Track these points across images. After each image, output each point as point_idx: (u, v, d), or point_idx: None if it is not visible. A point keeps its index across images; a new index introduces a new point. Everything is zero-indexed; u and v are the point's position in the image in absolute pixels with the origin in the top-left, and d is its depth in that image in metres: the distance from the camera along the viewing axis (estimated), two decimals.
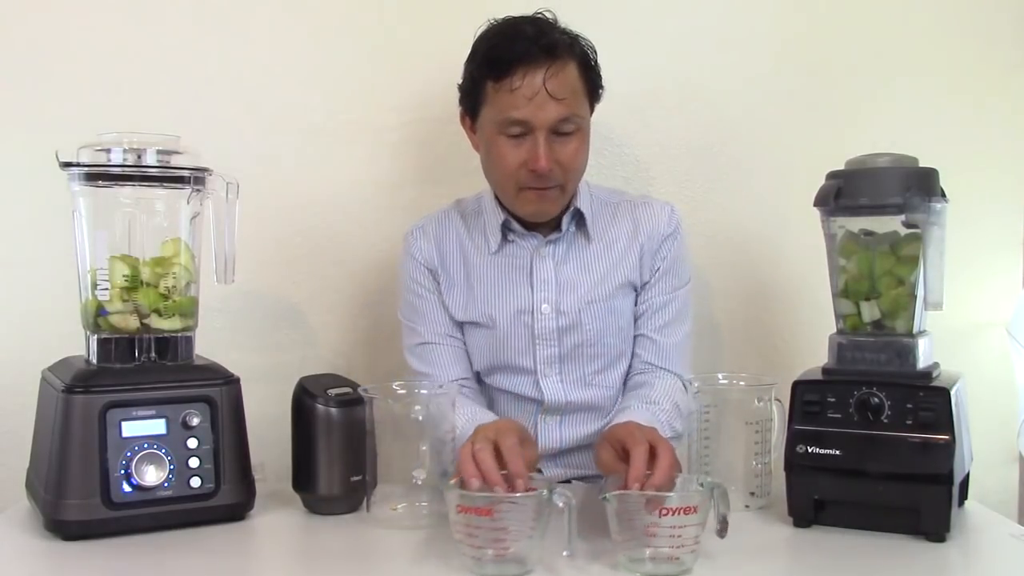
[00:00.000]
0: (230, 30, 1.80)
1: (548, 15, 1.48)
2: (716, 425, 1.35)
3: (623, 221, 1.58)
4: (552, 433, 1.55)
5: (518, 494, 1.08)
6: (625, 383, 1.58)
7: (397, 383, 1.36)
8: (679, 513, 1.05)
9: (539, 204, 1.49)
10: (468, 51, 1.49)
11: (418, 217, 1.64)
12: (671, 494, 1.09)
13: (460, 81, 1.51)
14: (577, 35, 1.49)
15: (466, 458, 1.13)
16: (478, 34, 1.48)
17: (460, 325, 1.58)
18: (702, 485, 1.10)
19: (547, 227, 1.55)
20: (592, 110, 1.52)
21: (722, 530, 1.09)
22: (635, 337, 1.58)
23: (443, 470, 1.28)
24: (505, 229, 1.55)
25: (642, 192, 1.81)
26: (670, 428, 1.44)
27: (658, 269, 1.56)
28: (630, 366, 1.58)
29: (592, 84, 1.50)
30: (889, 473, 1.21)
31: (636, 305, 1.57)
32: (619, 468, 1.18)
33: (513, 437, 1.19)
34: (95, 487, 1.22)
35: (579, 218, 1.55)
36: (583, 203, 1.55)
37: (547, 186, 1.46)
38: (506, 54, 1.42)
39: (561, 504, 1.06)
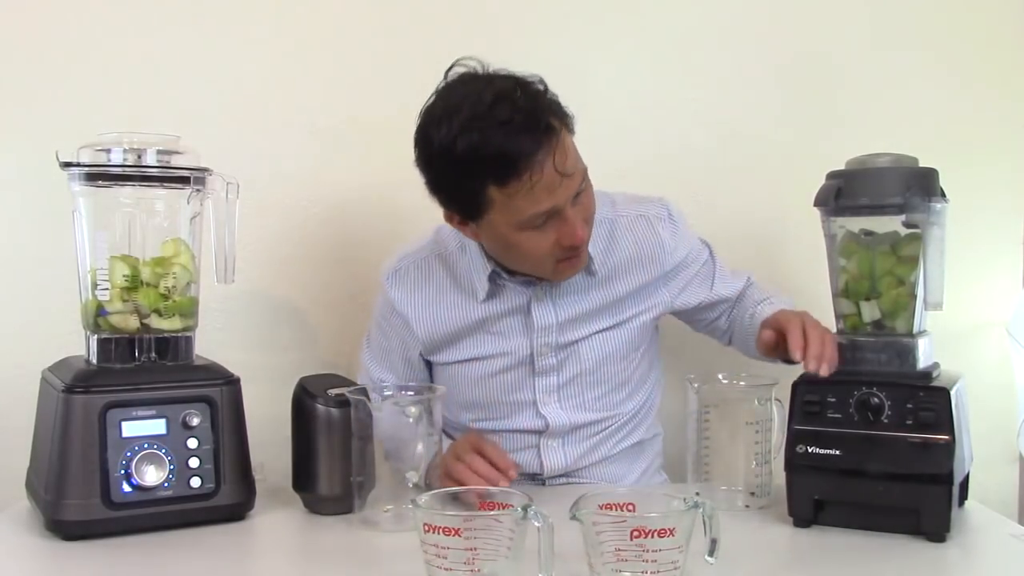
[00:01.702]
0: (230, 30, 1.79)
1: (515, 78, 1.30)
2: (716, 425, 1.35)
3: (624, 245, 1.48)
4: (556, 455, 1.51)
5: (493, 512, 1.02)
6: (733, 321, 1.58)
7: (386, 384, 1.36)
8: (652, 535, 0.96)
9: (576, 267, 1.40)
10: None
11: (418, 217, 1.55)
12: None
13: (425, 178, 1.33)
14: (528, 80, 1.31)
15: (462, 470, 1.16)
16: (438, 120, 1.27)
17: (430, 364, 1.53)
18: (687, 503, 1.01)
19: None
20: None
21: (711, 552, 1.03)
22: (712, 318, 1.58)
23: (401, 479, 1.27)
24: (495, 275, 1.44)
25: (639, 191, 1.79)
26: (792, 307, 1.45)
27: (684, 287, 1.53)
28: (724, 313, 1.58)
29: (570, 126, 1.34)
30: (889, 473, 1.20)
31: (696, 315, 1.57)
32: (781, 347, 1.28)
33: (489, 443, 1.32)
34: (95, 487, 1.22)
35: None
36: (592, 244, 1.43)
37: (578, 254, 1.38)
38: (509, 156, 1.24)
39: (537, 524, 0.98)
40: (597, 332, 1.48)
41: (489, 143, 1.24)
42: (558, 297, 1.46)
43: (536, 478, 1.53)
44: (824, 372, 1.23)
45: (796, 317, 1.30)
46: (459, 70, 1.33)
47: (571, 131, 1.33)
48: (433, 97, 1.32)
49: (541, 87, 1.31)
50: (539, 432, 1.50)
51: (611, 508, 1.02)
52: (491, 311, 1.46)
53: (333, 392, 1.33)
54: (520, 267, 1.42)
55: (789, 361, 1.26)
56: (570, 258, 1.37)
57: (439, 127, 1.26)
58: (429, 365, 1.54)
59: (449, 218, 1.38)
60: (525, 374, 1.48)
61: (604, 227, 1.47)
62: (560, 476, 1.53)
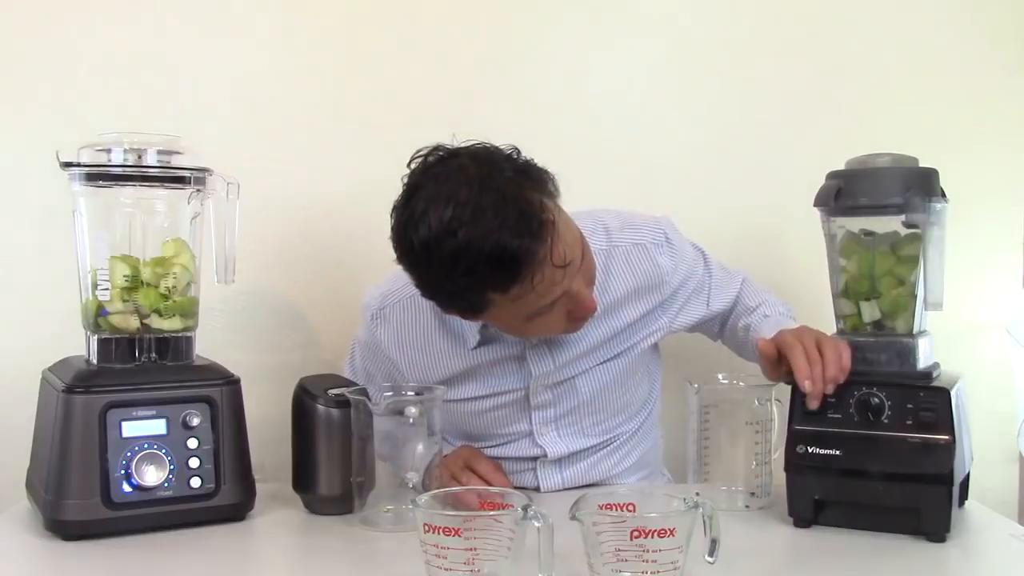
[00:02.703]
0: (230, 30, 1.79)
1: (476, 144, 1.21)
2: (716, 425, 1.35)
3: (621, 278, 1.43)
4: (554, 479, 1.48)
5: (492, 512, 1.02)
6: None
7: (386, 385, 1.36)
8: (652, 535, 0.95)
9: (588, 318, 1.33)
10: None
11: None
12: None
13: (412, 276, 1.24)
14: (504, 155, 1.20)
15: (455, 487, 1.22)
16: (419, 216, 1.16)
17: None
18: (687, 503, 1.00)
19: None
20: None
21: (711, 552, 1.03)
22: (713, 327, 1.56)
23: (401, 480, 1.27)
24: (486, 325, 1.37)
25: (640, 194, 1.79)
26: (788, 316, 1.46)
27: (681, 308, 1.49)
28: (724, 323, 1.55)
29: (555, 195, 1.24)
30: (889, 473, 1.20)
31: (693, 325, 1.53)
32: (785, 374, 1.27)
33: (483, 458, 1.34)
34: (95, 487, 1.22)
35: None
36: None
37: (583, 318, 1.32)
38: (506, 260, 1.14)
39: (537, 524, 0.97)
40: (595, 365, 1.44)
41: (482, 249, 1.13)
42: (553, 341, 1.40)
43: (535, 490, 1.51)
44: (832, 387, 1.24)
45: (796, 340, 1.26)
46: (428, 160, 1.22)
47: (558, 196, 1.23)
48: (403, 193, 1.22)
49: (516, 156, 1.21)
50: (535, 458, 1.48)
51: (611, 508, 1.02)
52: (483, 358, 1.41)
53: (333, 392, 1.33)
54: (530, 337, 1.37)
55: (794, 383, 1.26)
56: (582, 316, 1.31)
57: (417, 229, 1.16)
58: None
59: (447, 311, 1.30)
60: (520, 409, 1.45)
61: (599, 259, 1.37)
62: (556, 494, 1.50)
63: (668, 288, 1.46)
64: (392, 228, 1.23)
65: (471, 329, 1.38)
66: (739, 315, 1.53)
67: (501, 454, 1.47)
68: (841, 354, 1.24)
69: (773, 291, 1.58)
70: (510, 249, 1.13)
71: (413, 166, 1.23)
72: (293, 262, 1.83)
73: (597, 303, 1.32)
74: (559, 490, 1.49)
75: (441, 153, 1.22)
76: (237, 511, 1.31)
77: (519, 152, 1.23)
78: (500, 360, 1.41)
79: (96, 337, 1.32)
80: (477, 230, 1.13)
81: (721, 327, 1.57)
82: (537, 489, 1.49)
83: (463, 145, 1.23)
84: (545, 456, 1.47)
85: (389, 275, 1.43)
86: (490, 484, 1.30)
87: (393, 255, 1.24)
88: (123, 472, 1.23)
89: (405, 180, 1.23)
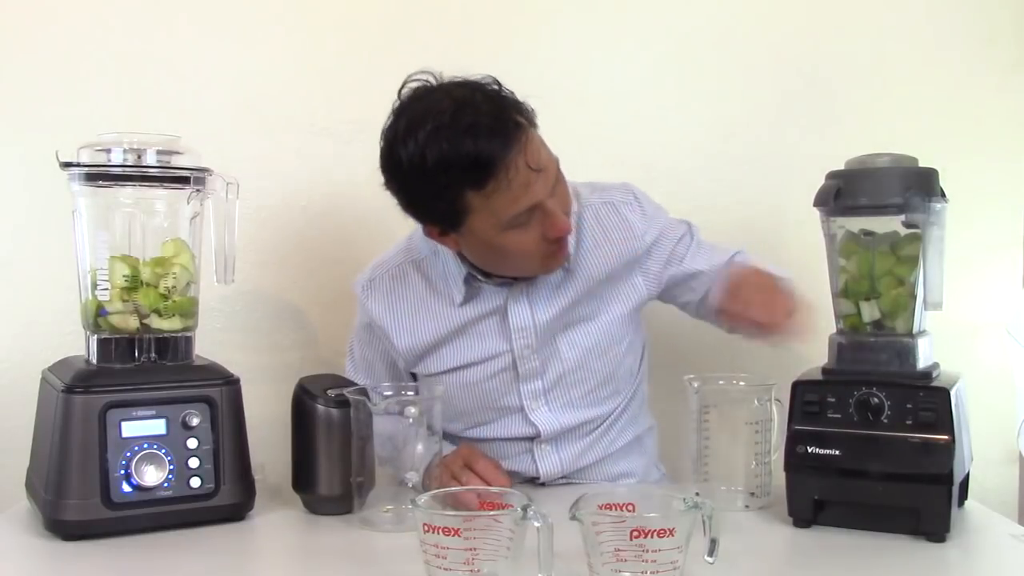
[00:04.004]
0: (230, 30, 1.80)
1: (484, 83, 1.31)
2: (716, 425, 1.35)
3: (592, 235, 1.47)
4: (551, 460, 1.50)
5: (492, 512, 1.02)
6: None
7: (385, 385, 1.36)
8: (652, 535, 0.95)
9: (561, 258, 1.40)
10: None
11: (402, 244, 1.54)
12: None
13: (399, 199, 1.34)
14: (483, 83, 1.30)
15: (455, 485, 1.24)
16: (403, 137, 1.27)
17: (414, 376, 1.52)
18: (687, 503, 1.00)
19: None
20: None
21: (711, 552, 1.03)
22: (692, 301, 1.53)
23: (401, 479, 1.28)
24: (470, 278, 1.44)
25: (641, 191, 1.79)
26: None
27: (660, 269, 1.50)
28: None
29: (533, 121, 1.33)
30: (889, 473, 1.20)
31: (673, 292, 1.52)
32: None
33: (483, 457, 1.35)
34: (95, 487, 1.22)
35: None
36: None
37: (562, 245, 1.38)
38: (481, 158, 1.24)
39: (537, 524, 0.98)
40: (575, 326, 1.47)
41: (460, 150, 1.23)
42: (534, 296, 1.45)
43: (534, 482, 1.52)
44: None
45: (744, 280, 1.32)
46: (412, 86, 1.32)
47: (535, 125, 1.32)
48: (391, 117, 1.31)
49: (497, 87, 1.31)
50: (531, 438, 1.49)
51: (611, 508, 1.02)
52: (469, 315, 1.45)
53: (333, 392, 1.33)
54: (506, 270, 1.41)
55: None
56: (555, 252, 1.37)
57: (405, 144, 1.26)
58: (414, 377, 1.53)
59: (430, 232, 1.38)
60: (510, 380, 1.47)
61: (571, 220, 1.43)
62: (559, 479, 1.52)
63: (640, 244, 1.47)
64: (380, 153, 1.32)
65: (456, 286, 1.44)
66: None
67: (496, 434, 1.49)
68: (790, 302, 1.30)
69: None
70: (487, 148, 1.24)
71: (401, 93, 1.32)
72: (293, 262, 1.84)
73: (571, 261, 1.42)
74: (559, 476, 1.50)
75: (427, 81, 1.32)
76: (237, 511, 1.31)
77: (500, 83, 1.32)
78: (484, 315, 1.45)
79: (96, 337, 1.32)
80: (456, 133, 1.23)
81: (700, 302, 1.52)
82: (537, 477, 1.50)
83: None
84: (539, 436, 1.48)
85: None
86: (489, 483, 1.30)
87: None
88: (123, 472, 1.23)
89: (394, 107, 1.32)
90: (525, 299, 1.45)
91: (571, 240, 1.42)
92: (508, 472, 1.43)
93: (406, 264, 1.49)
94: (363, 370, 1.54)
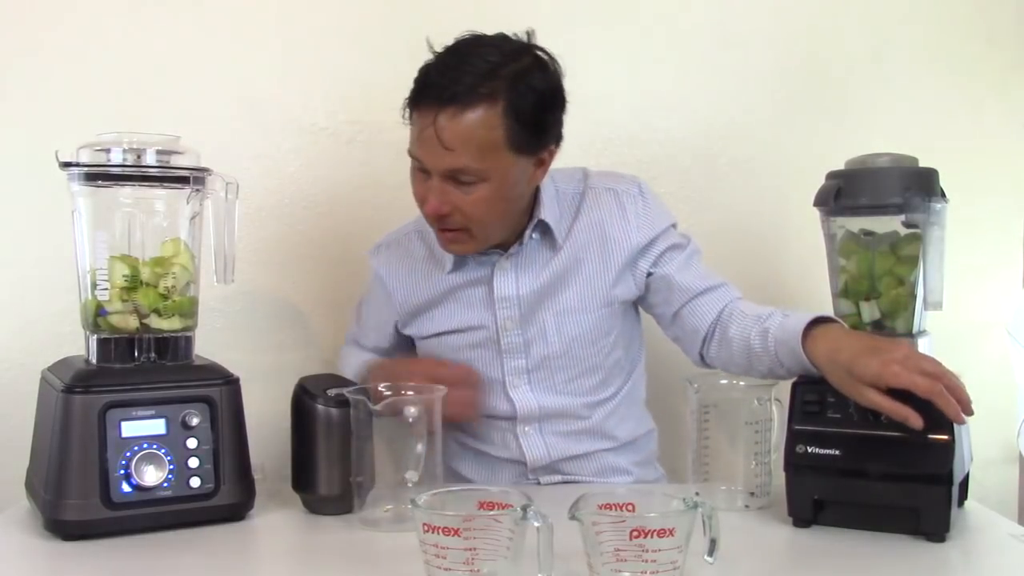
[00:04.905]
0: (230, 30, 1.80)
1: (512, 35, 1.36)
2: (716, 425, 1.35)
3: (589, 218, 1.47)
4: (536, 444, 1.50)
5: (492, 512, 1.01)
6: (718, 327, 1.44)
7: (384, 384, 1.36)
8: (651, 535, 0.95)
9: (451, 246, 1.42)
10: None
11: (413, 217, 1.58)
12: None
13: None
14: (523, 74, 1.32)
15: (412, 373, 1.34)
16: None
17: (407, 339, 1.59)
18: (687, 503, 1.00)
19: (508, 238, 1.46)
20: (539, 154, 1.38)
21: (711, 552, 1.03)
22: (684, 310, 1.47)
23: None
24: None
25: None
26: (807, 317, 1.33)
27: (649, 268, 1.48)
28: (711, 330, 1.45)
29: (524, 135, 1.32)
30: (889, 473, 1.20)
31: (657, 302, 1.49)
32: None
33: (429, 360, 1.51)
34: (95, 487, 1.22)
35: (544, 227, 1.46)
36: (548, 212, 1.45)
37: (449, 228, 1.38)
38: (416, 84, 1.32)
39: (537, 524, 0.98)
40: (562, 314, 1.47)
41: (420, 73, 1.33)
42: (520, 269, 1.47)
43: (522, 472, 1.52)
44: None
45: (903, 368, 1.17)
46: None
47: (511, 128, 1.31)
48: None
49: (516, 69, 1.32)
50: (511, 419, 1.50)
51: (611, 508, 1.02)
52: (457, 281, 1.50)
53: (333, 392, 1.33)
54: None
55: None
56: (441, 229, 1.40)
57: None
58: (410, 342, 1.60)
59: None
60: (493, 354, 1.50)
61: (571, 200, 1.49)
62: (553, 473, 1.52)
63: (635, 239, 1.46)
64: None
65: (448, 256, 1.49)
66: (747, 326, 1.39)
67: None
68: (940, 366, 1.19)
69: (772, 303, 1.48)
70: (427, 79, 1.32)
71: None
72: (293, 262, 1.84)
73: (560, 238, 1.46)
74: (546, 463, 1.50)
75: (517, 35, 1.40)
76: (236, 511, 1.31)
77: (542, 58, 1.38)
78: (471, 283, 1.50)
79: (95, 337, 1.32)
80: (433, 64, 1.33)
81: (676, 314, 1.47)
82: (523, 459, 1.51)
83: None
84: (516, 415, 1.49)
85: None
86: (433, 377, 1.33)
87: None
88: (123, 472, 1.23)
89: None
90: (512, 270, 1.48)
91: (566, 218, 1.48)
92: (495, 457, 1.51)
93: (412, 233, 1.57)
94: (360, 316, 1.65)
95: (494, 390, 1.51)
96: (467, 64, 1.31)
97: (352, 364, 1.59)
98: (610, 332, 1.50)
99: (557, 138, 1.41)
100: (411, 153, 1.36)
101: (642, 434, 1.59)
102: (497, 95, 1.30)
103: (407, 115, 1.36)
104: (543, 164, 1.41)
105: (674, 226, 1.52)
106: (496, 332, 1.49)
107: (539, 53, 1.38)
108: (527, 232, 1.46)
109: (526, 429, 1.51)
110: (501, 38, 1.36)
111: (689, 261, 1.49)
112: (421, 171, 1.36)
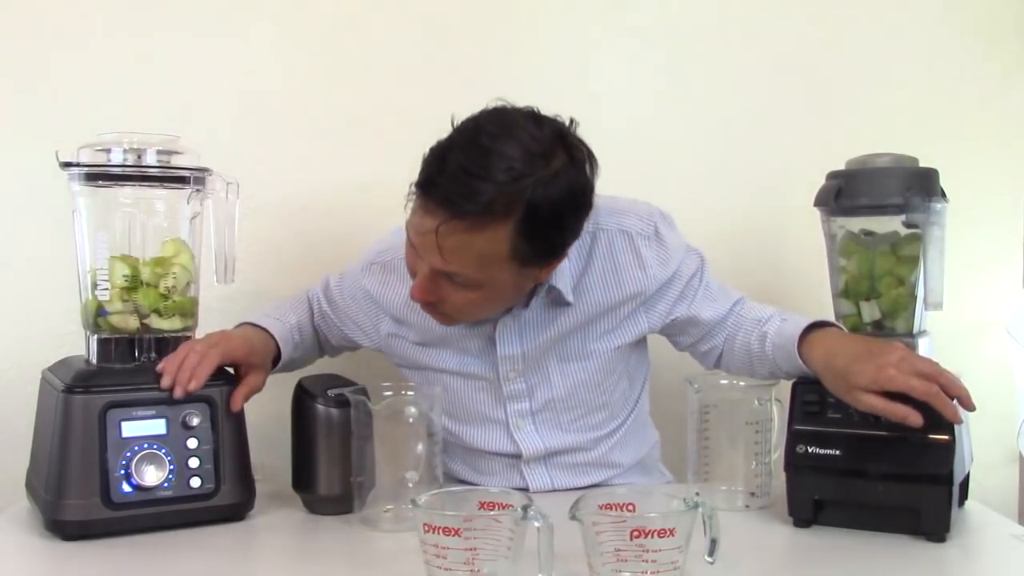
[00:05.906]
0: (230, 30, 1.79)
1: (553, 117, 1.22)
2: (716, 425, 1.35)
3: (600, 264, 1.38)
4: (541, 476, 1.45)
5: (492, 512, 1.01)
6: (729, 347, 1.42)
7: (386, 384, 1.35)
8: (652, 535, 0.95)
9: (432, 315, 1.32)
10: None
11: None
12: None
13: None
14: (548, 182, 1.16)
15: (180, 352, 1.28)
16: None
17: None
18: (687, 503, 1.00)
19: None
20: (548, 263, 1.28)
21: (711, 552, 1.02)
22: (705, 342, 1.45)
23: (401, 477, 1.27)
24: None
25: (639, 194, 1.78)
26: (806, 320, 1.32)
27: (667, 311, 1.41)
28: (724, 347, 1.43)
29: (532, 251, 1.20)
30: (889, 473, 1.20)
31: (672, 333, 1.46)
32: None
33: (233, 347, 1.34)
34: (95, 487, 1.22)
35: (553, 289, 1.36)
36: (559, 278, 1.34)
37: (436, 311, 1.30)
38: (427, 173, 1.18)
39: (537, 524, 0.97)
40: (567, 358, 1.41)
41: (430, 163, 1.19)
42: (525, 326, 1.39)
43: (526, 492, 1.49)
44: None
45: (898, 372, 1.17)
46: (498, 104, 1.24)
47: (517, 245, 1.18)
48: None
49: (540, 176, 1.16)
50: (516, 456, 1.45)
51: (611, 508, 1.02)
52: (456, 332, 1.40)
53: (333, 392, 1.33)
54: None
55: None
56: (424, 306, 1.30)
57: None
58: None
59: None
60: (495, 398, 1.43)
61: (580, 244, 1.35)
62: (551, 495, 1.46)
63: (652, 285, 1.39)
64: None
65: None
66: (748, 331, 1.40)
67: (480, 445, 1.45)
68: (935, 366, 1.19)
69: (772, 302, 1.49)
70: (438, 179, 1.17)
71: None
72: (293, 262, 1.83)
73: (567, 293, 1.35)
74: (549, 491, 1.45)
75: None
76: (237, 511, 1.31)
77: (575, 173, 1.22)
78: (472, 334, 1.40)
79: (96, 337, 1.32)
80: (443, 158, 1.17)
81: (711, 344, 1.45)
82: (527, 488, 1.45)
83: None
84: (521, 455, 1.44)
85: (393, 229, 1.46)
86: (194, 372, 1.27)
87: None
88: (123, 472, 1.23)
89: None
90: (515, 327, 1.39)
91: (573, 269, 1.37)
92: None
93: (399, 260, 1.39)
94: (332, 285, 1.52)
95: (497, 428, 1.45)
96: (487, 171, 1.14)
97: (271, 313, 1.48)
98: (615, 369, 1.45)
99: (574, 238, 1.28)
100: (408, 232, 1.25)
101: (646, 452, 1.55)
102: (513, 211, 1.16)
103: (412, 191, 1.22)
104: (551, 266, 1.30)
105: (688, 248, 1.45)
106: (498, 381, 1.42)
107: (573, 151, 1.22)
108: (535, 297, 1.37)
109: (533, 466, 1.46)
110: (531, 131, 1.18)
111: (708, 290, 1.44)
112: (415, 247, 1.24)
